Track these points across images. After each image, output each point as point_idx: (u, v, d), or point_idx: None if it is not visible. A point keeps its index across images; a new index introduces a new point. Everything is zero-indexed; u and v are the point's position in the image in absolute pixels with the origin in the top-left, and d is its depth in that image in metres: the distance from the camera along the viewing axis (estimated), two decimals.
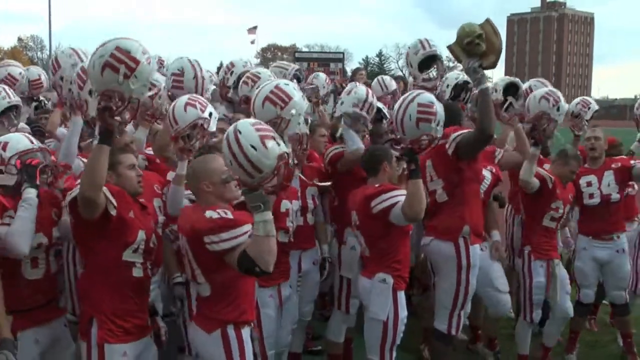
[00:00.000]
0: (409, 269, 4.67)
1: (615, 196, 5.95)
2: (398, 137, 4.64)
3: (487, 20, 4.79)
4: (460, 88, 6.50)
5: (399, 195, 4.35)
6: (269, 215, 3.28)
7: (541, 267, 5.61)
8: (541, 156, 5.77)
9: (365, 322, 4.57)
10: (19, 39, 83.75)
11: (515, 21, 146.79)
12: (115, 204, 3.46)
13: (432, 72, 6.76)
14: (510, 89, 6.20)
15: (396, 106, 4.66)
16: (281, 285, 4.59)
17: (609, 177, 6.00)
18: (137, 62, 3.24)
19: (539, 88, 6.32)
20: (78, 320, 3.68)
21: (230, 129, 3.35)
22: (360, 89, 5.40)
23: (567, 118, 7.08)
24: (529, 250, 5.67)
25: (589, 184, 6.02)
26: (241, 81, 6.14)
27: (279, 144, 3.31)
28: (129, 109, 3.39)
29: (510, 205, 6.67)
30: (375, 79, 7.67)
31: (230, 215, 3.51)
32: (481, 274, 5.46)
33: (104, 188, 3.39)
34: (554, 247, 5.75)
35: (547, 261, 5.61)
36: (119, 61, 3.21)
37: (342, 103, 5.38)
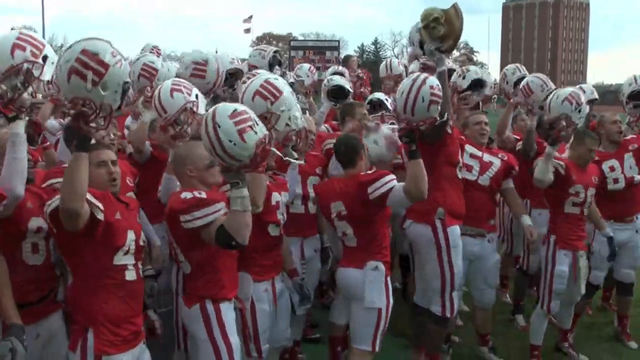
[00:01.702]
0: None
1: (638, 177, 6.00)
2: (402, 117, 4.64)
3: (453, 5, 4.94)
4: (478, 82, 6.43)
5: (393, 180, 4.42)
6: (246, 191, 3.40)
7: (565, 255, 5.50)
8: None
9: (357, 313, 4.57)
10: (12, 29, 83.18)
11: (511, 7, 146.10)
12: (102, 207, 3.30)
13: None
14: (476, 85, 6.32)
15: (405, 88, 4.62)
16: (275, 279, 4.58)
17: (629, 159, 6.09)
18: (106, 66, 3.01)
19: (537, 84, 6.37)
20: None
21: (209, 118, 3.33)
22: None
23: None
24: (555, 239, 5.56)
25: (612, 169, 6.07)
26: (241, 81, 6.12)
27: (256, 132, 3.32)
28: (103, 115, 3.12)
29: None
30: (384, 61, 7.75)
31: (203, 195, 3.68)
32: (477, 265, 5.59)
33: (87, 194, 3.20)
34: (580, 237, 5.61)
35: (572, 252, 5.51)
36: (86, 66, 2.98)
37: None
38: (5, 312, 3.39)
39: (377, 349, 4.55)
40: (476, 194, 5.52)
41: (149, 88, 5.30)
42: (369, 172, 4.60)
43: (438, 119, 4.64)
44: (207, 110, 4.24)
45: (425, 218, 5.09)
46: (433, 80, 4.63)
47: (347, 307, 4.73)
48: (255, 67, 6.70)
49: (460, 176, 5.23)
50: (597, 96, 8.10)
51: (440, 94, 4.60)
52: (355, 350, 4.59)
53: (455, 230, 5.07)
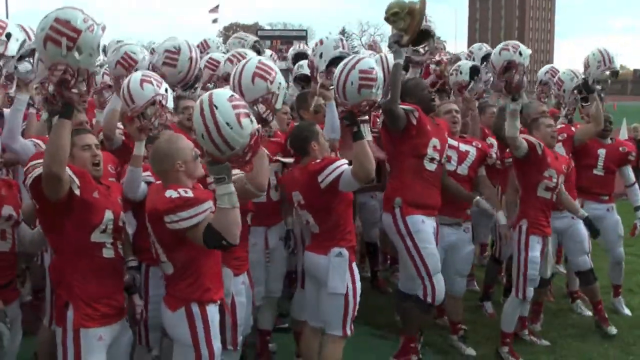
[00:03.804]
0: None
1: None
2: (339, 101, 4.70)
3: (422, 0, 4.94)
4: (475, 71, 6.59)
5: (343, 164, 4.41)
6: (232, 187, 3.32)
7: (538, 243, 5.53)
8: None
9: (322, 299, 4.58)
10: None
11: None
12: (78, 183, 3.39)
13: (421, 49, 6.54)
14: (474, 72, 6.50)
15: (337, 72, 4.70)
16: (249, 269, 4.61)
17: (559, 149, 6.11)
18: (78, 32, 3.14)
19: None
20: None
21: (205, 101, 3.31)
22: (330, 35, 5.64)
23: (534, 86, 7.29)
24: (527, 226, 5.56)
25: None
26: (225, 59, 6.14)
27: (252, 121, 3.32)
28: (81, 80, 3.26)
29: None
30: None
31: (190, 194, 3.52)
32: (452, 255, 5.66)
33: (67, 169, 3.30)
34: (548, 224, 5.67)
35: (542, 237, 5.56)
36: (60, 33, 3.13)
37: (321, 55, 5.51)
38: None
39: (348, 333, 4.56)
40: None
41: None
42: (318, 160, 4.53)
43: (377, 101, 4.66)
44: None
45: (387, 207, 5.24)
46: (365, 63, 4.64)
47: (313, 294, 4.73)
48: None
49: (430, 168, 5.18)
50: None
51: (375, 77, 4.57)
52: (327, 336, 4.60)
53: (414, 218, 5.08)
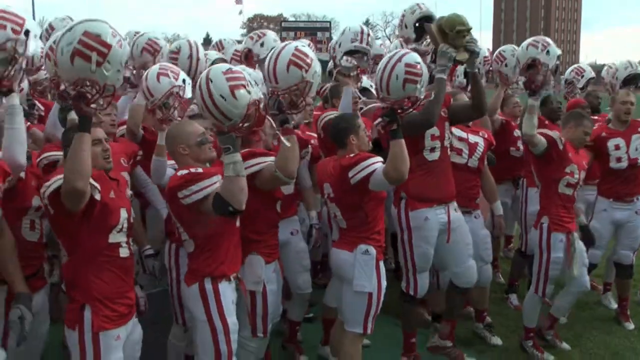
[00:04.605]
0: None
1: None
2: (381, 96, 4.62)
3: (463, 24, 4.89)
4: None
5: (376, 162, 4.31)
6: (238, 156, 3.45)
7: (560, 241, 5.42)
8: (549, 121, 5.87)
9: (346, 295, 4.55)
10: None
11: None
12: (99, 188, 3.36)
13: (424, 42, 6.65)
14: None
15: (381, 65, 4.65)
16: (279, 258, 4.63)
17: (636, 140, 6.08)
18: (108, 47, 3.08)
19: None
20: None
21: (203, 75, 3.51)
22: (353, 25, 5.48)
23: (561, 85, 7.21)
24: (548, 223, 5.48)
25: (617, 147, 6.08)
26: (247, 36, 6.33)
27: (249, 92, 3.44)
28: (105, 96, 3.22)
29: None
30: None
31: (200, 171, 3.73)
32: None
33: None
34: (572, 219, 5.57)
35: (566, 234, 5.44)
36: (90, 48, 3.05)
37: (340, 45, 5.42)
38: (15, 282, 3.55)
39: (368, 331, 4.55)
40: (465, 176, 5.54)
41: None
42: (352, 155, 4.45)
43: (420, 98, 4.61)
44: None
45: (395, 200, 5.17)
46: (411, 57, 4.60)
47: (338, 289, 4.72)
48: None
49: (431, 157, 5.05)
50: (594, 75, 8.09)
51: (420, 72, 4.56)
52: (347, 332, 4.58)
53: (417, 213, 5.01)
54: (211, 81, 3.44)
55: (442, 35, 4.91)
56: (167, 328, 4.72)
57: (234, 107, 3.40)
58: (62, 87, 3.22)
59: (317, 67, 4.13)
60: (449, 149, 5.19)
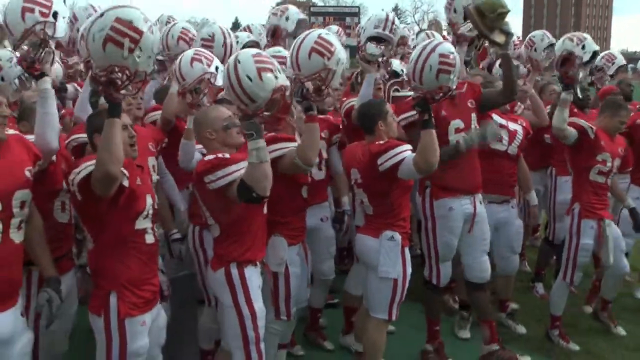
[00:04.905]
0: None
1: None
2: (412, 85, 4.59)
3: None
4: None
5: (406, 150, 4.32)
6: (262, 142, 3.45)
7: (591, 228, 5.38)
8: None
9: (371, 281, 4.56)
10: None
11: None
12: (127, 174, 3.36)
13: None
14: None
15: (415, 54, 4.62)
16: (305, 241, 4.65)
17: None
18: (140, 33, 3.06)
19: None
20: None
21: (232, 57, 3.58)
22: (380, 12, 5.49)
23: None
24: (579, 209, 5.46)
25: None
26: (270, 12, 6.38)
27: (276, 77, 3.47)
28: (137, 81, 3.24)
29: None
30: None
31: (227, 156, 3.74)
32: (503, 232, 5.61)
33: None
34: (605, 206, 5.52)
35: (597, 221, 5.39)
36: (122, 34, 3.03)
37: (364, 30, 5.47)
38: (43, 265, 3.57)
39: (394, 317, 4.56)
40: (504, 163, 5.53)
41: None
42: (382, 142, 4.45)
43: (452, 88, 4.58)
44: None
45: (420, 189, 5.16)
46: (445, 47, 4.58)
47: (363, 275, 4.74)
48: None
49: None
50: (624, 62, 7.97)
51: (454, 62, 4.53)
52: (372, 318, 4.59)
53: (442, 202, 5.00)
54: (239, 62, 3.49)
55: (480, 17, 4.89)
56: (193, 312, 4.76)
57: (260, 89, 3.44)
58: (95, 70, 3.21)
59: (340, 54, 4.09)
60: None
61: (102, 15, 3.09)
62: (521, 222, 5.81)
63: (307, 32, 4.31)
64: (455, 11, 5.83)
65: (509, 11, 4.87)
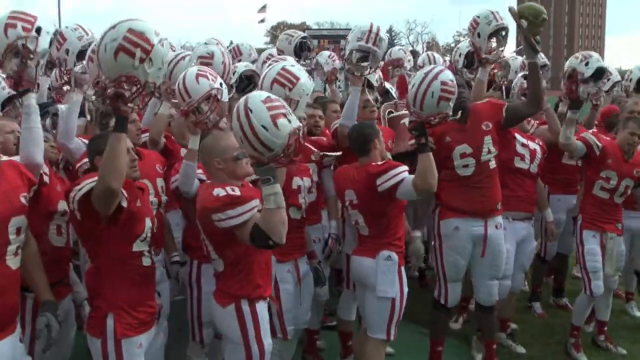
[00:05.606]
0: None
1: None
2: (412, 110, 4.62)
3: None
4: (472, 56, 6.41)
5: (405, 172, 4.34)
6: (278, 187, 3.33)
7: (593, 237, 5.52)
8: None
9: (369, 302, 4.55)
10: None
11: None
12: (126, 195, 3.34)
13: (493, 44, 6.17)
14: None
15: (416, 80, 4.59)
16: (298, 260, 4.65)
17: None
18: (151, 44, 3.11)
19: None
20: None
21: (241, 104, 3.32)
22: (364, 23, 5.48)
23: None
24: (581, 221, 5.62)
25: None
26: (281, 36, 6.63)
27: (289, 121, 3.29)
28: (146, 92, 3.27)
29: None
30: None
31: (237, 192, 3.55)
32: (520, 249, 5.63)
33: None
34: (608, 221, 5.57)
35: (600, 233, 5.52)
36: (134, 44, 3.07)
37: (348, 42, 5.47)
38: (39, 290, 3.54)
39: (392, 337, 4.55)
40: (527, 181, 5.63)
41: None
42: (380, 162, 4.49)
43: (450, 114, 4.61)
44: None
45: (432, 208, 5.27)
46: (447, 75, 4.58)
47: (360, 297, 4.73)
48: (283, 52, 7.05)
49: (464, 173, 5.03)
50: (620, 78, 8.01)
51: (454, 90, 4.54)
52: (370, 338, 4.58)
53: (447, 222, 5.06)
54: (251, 111, 3.26)
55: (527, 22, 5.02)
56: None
57: (277, 138, 3.23)
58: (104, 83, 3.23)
59: (304, 86, 4.31)
60: (492, 162, 5.09)
61: (114, 27, 3.14)
62: (534, 244, 5.89)
63: (272, 66, 4.44)
64: (479, 36, 5.78)
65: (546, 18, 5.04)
